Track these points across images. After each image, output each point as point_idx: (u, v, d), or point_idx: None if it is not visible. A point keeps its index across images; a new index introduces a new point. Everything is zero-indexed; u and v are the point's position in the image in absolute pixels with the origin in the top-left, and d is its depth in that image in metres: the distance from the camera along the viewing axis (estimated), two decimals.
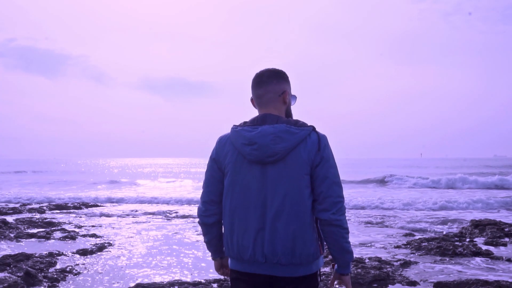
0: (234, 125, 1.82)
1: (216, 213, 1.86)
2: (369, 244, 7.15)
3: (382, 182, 23.61)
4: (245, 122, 1.81)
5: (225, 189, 1.80)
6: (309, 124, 1.77)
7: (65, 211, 12.35)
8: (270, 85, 1.81)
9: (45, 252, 6.31)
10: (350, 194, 16.45)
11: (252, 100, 1.88)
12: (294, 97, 1.89)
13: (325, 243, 1.81)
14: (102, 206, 13.83)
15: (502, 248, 6.74)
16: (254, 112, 1.89)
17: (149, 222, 9.97)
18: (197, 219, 1.93)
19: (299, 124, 1.75)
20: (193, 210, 12.09)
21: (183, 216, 11.02)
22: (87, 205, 13.65)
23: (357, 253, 6.34)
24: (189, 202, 14.46)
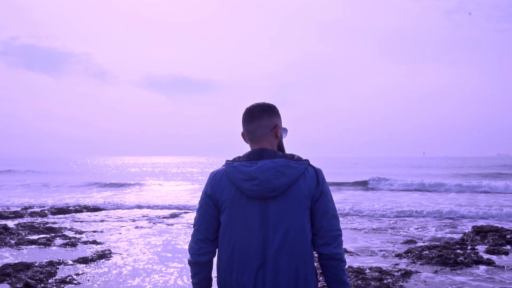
0: (227, 160, 1.79)
1: (211, 251, 1.81)
2: (370, 252, 7.10)
3: (379, 183, 23.52)
4: (239, 157, 1.79)
5: (223, 226, 1.76)
6: (304, 158, 1.77)
7: (66, 215, 12.36)
8: (262, 120, 1.78)
9: (46, 261, 6.30)
10: (349, 198, 16.41)
11: (243, 135, 1.86)
12: (285, 130, 1.87)
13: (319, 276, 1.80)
14: (103, 210, 13.82)
15: (504, 256, 6.70)
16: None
17: (150, 227, 9.96)
18: (188, 258, 1.85)
19: (296, 158, 1.75)
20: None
21: (185, 222, 11.02)
22: (88, 209, 13.67)
23: (358, 261, 6.32)
24: (191, 207, 14.45)
